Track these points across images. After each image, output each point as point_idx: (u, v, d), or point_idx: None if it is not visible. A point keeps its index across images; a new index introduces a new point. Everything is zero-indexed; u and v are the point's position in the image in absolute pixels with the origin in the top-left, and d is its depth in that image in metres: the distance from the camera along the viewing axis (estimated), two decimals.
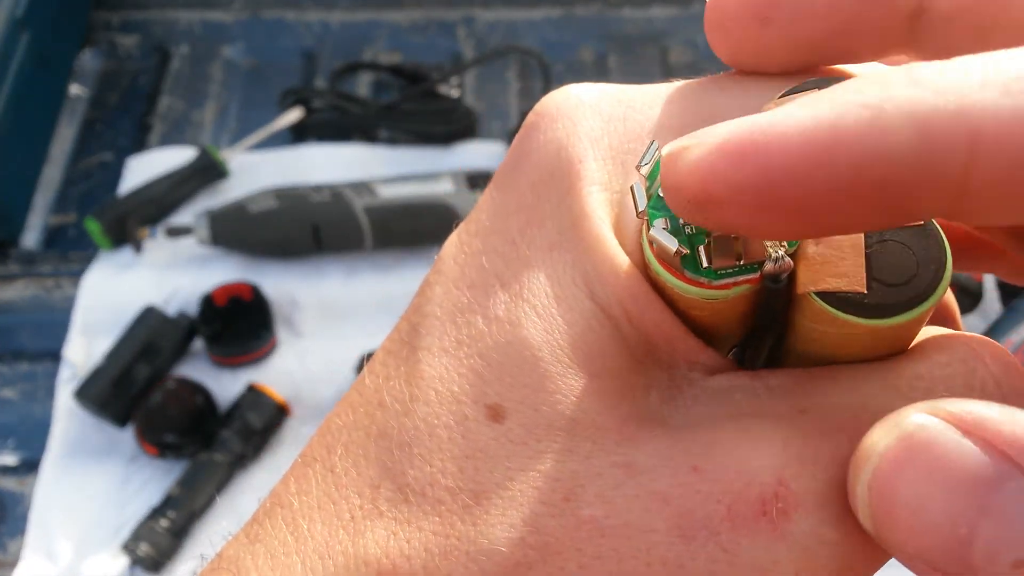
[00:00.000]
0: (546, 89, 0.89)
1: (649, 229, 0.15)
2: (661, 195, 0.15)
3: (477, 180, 0.79)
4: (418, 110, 0.88)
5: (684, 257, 0.15)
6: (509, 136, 0.85)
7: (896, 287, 0.14)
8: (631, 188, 0.16)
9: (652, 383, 0.16)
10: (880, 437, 0.13)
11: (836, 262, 0.14)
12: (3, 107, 0.80)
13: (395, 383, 0.18)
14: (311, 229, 0.76)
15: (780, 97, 0.16)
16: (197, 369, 0.72)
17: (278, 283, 0.76)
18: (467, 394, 0.17)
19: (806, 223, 0.13)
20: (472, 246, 0.18)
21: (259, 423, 0.67)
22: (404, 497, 0.16)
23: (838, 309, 0.14)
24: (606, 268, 0.16)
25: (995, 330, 0.69)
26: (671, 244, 0.15)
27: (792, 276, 0.15)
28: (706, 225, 0.13)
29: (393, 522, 0.16)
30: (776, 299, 0.15)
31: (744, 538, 0.14)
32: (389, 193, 0.77)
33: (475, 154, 0.85)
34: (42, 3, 0.86)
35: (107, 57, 0.97)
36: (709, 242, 0.15)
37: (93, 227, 0.77)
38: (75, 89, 0.94)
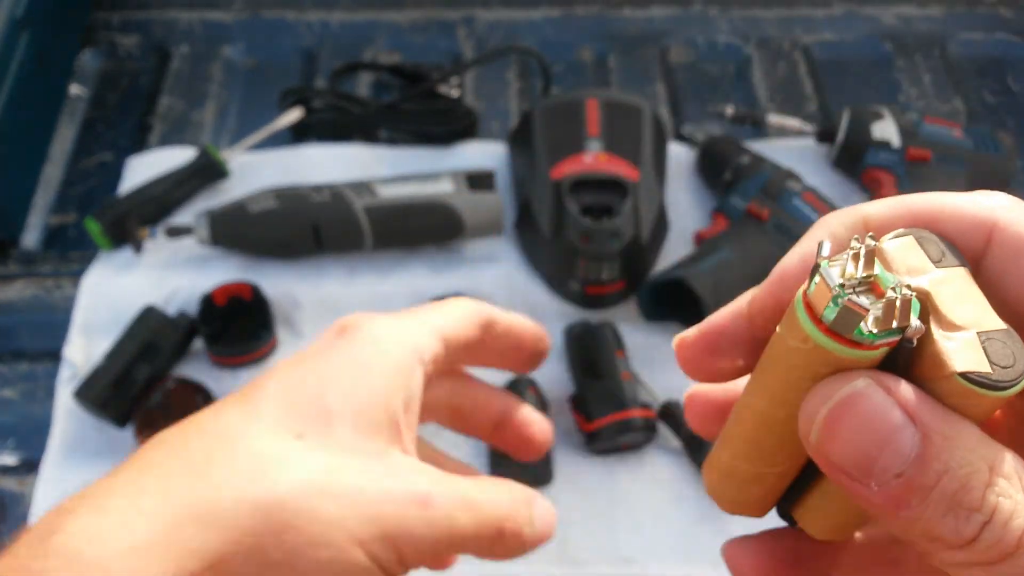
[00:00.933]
0: (546, 89, 0.89)
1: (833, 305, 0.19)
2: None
3: (477, 180, 0.79)
4: (418, 110, 0.88)
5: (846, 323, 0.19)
6: (509, 136, 0.85)
7: (1006, 368, 0.19)
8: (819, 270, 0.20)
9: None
10: (838, 387, 0.20)
11: (964, 351, 0.19)
12: (3, 107, 0.80)
13: None
14: (311, 229, 0.76)
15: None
16: (197, 369, 0.72)
17: (278, 283, 0.76)
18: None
19: None
20: None
21: None
22: None
23: (977, 386, 0.19)
24: None
25: None
26: (864, 305, 0.19)
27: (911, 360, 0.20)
28: None
29: None
30: (905, 366, 0.20)
31: None
32: (389, 193, 0.77)
33: (475, 154, 0.85)
34: (42, 3, 0.86)
35: (107, 57, 0.97)
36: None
37: (93, 227, 0.77)
38: (75, 89, 0.94)
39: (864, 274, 0.19)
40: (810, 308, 0.20)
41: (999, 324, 0.20)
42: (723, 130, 0.87)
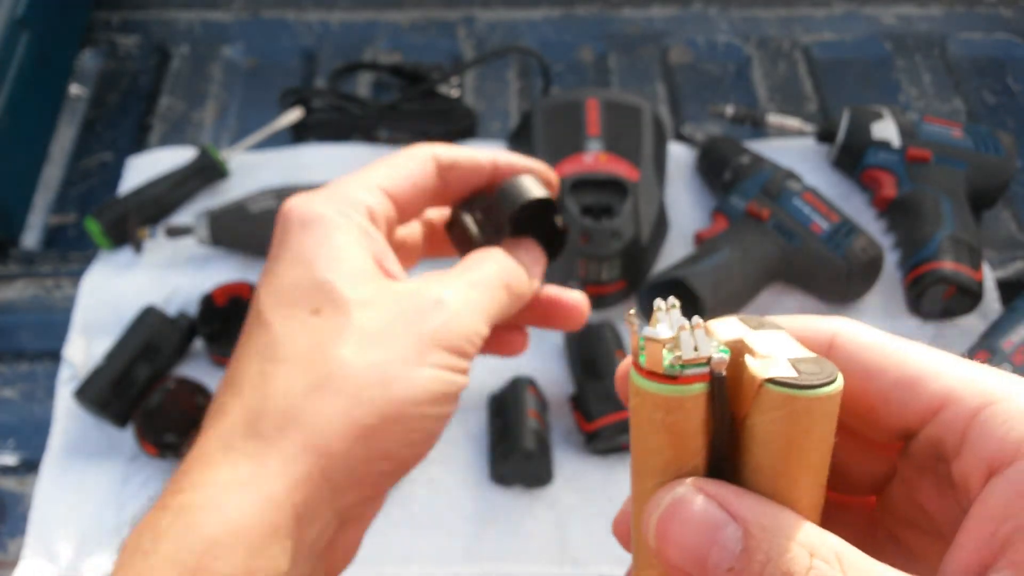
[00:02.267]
0: (546, 89, 0.89)
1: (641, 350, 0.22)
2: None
3: None
4: (418, 110, 0.88)
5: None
6: (509, 136, 0.85)
7: (815, 375, 0.21)
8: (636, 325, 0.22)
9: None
10: (664, 496, 0.22)
11: (773, 366, 0.21)
12: (3, 107, 0.80)
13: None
14: None
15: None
16: (197, 369, 0.72)
17: None
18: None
19: None
20: None
21: None
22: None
23: (786, 388, 0.21)
24: None
25: (995, 330, 0.69)
26: (662, 337, 0.21)
27: (729, 403, 0.22)
28: None
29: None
30: (723, 397, 0.22)
31: None
32: None
33: None
34: (42, 3, 0.86)
35: (107, 57, 0.97)
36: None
37: (93, 227, 0.77)
38: (75, 89, 0.94)
39: (678, 329, 0.22)
40: (636, 366, 0.22)
41: (811, 355, 0.22)
42: (723, 130, 0.87)
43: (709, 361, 0.21)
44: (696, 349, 0.21)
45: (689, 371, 0.21)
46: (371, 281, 0.33)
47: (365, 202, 0.35)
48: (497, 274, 0.36)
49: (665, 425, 0.22)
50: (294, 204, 0.35)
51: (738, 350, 0.22)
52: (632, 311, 0.22)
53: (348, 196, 0.35)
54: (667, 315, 0.22)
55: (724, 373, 0.22)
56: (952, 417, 0.22)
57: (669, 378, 0.21)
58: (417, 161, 0.37)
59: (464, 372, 0.33)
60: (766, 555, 0.20)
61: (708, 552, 0.21)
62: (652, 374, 0.22)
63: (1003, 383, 0.22)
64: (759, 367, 0.21)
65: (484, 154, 0.39)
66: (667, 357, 0.21)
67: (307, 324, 0.32)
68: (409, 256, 0.42)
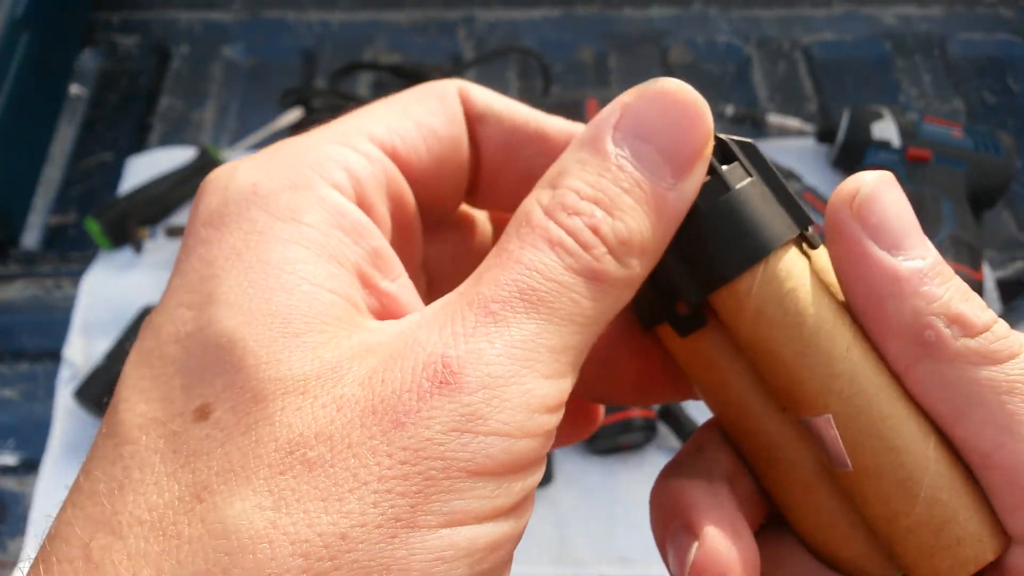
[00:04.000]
0: (546, 89, 0.89)
1: None
2: None
3: None
4: None
5: None
6: None
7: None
8: None
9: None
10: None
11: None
12: (3, 107, 0.80)
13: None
14: None
15: None
16: None
17: None
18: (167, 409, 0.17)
19: None
20: None
21: None
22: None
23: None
24: None
25: None
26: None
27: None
28: None
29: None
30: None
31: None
32: None
33: None
34: (42, 3, 0.86)
35: (107, 57, 0.96)
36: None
37: (93, 227, 0.77)
38: (75, 89, 0.94)
39: None
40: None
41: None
42: (723, 130, 0.87)
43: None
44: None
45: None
46: (325, 337, 0.18)
47: (346, 163, 0.21)
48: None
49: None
50: (216, 176, 0.21)
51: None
52: None
53: (314, 154, 0.21)
54: None
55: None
56: None
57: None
58: (433, 96, 0.23)
59: (522, 508, 0.18)
60: None
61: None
62: None
63: None
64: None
65: (546, 119, 0.24)
66: None
67: (179, 441, 0.17)
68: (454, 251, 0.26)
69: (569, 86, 0.93)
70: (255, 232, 0.19)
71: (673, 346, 0.21)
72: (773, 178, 0.20)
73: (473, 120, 0.23)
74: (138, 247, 0.77)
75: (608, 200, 0.19)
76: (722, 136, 0.20)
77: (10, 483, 0.68)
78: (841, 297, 0.20)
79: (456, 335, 0.17)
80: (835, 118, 0.83)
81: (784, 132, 0.85)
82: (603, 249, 0.18)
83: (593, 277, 0.18)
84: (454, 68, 0.92)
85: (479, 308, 0.17)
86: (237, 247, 0.18)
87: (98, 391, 0.67)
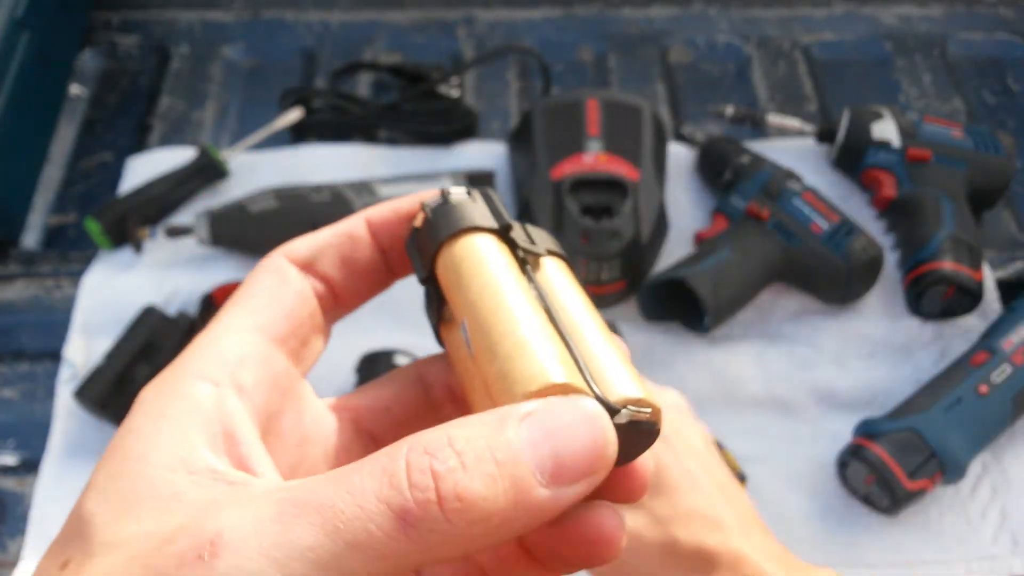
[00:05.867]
0: (546, 89, 0.89)
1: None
2: None
3: (477, 180, 0.79)
4: (418, 110, 0.88)
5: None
6: (509, 136, 0.85)
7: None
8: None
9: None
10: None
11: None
12: (3, 107, 0.80)
13: None
14: (311, 229, 0.75)
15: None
16: None
17: None
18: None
19: None
20: None
21: None
22: None
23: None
24: None
25: (995, 330, 0.69)
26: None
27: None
28: None
29: None
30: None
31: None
32: (389, 193, 0.77)
33: (475, 154, 0.85)
34: (42, 3, 0.86)
35: (107, 57, 0.97)
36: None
37: (93, 227, 0.77)
38: (75, 89, 0.94)
39: None
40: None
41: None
42: (723, 130, 0.87)
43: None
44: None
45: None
46: (153, 512, 0.21)
47: (226, 357, 0.25)
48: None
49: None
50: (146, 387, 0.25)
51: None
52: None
53: (195, 360, 0.25)
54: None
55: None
56: None
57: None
58: (342, 235, 0.30)
59: None
60: None
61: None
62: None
63: None
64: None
65: (356, 220, 0.30)
66: None
67: None
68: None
69: (569, 86, 0.93)
70: (133, 423, 0.25)
71: (444, 341, 0.27)
72: (490, 201, 0.27)
73: (307, 267, 0.30)
74: (138, 247, 0.77)
75: (474, 457, 0.19)
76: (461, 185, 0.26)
77: (10, 483, 0.68)
78: (529, 288, 0.25)
79: (257, 520, 0.19)
80: (835, 118, 0.83)
81: (784, 132, 0.85)
82: (432, 496, 0.18)
83: (401, 515, 0.18)
84: (454, 68, 0.92)
85: (289, 503, 0.19)
86: (124, 431, 0.24)
87: (98, 391, 0.67)
